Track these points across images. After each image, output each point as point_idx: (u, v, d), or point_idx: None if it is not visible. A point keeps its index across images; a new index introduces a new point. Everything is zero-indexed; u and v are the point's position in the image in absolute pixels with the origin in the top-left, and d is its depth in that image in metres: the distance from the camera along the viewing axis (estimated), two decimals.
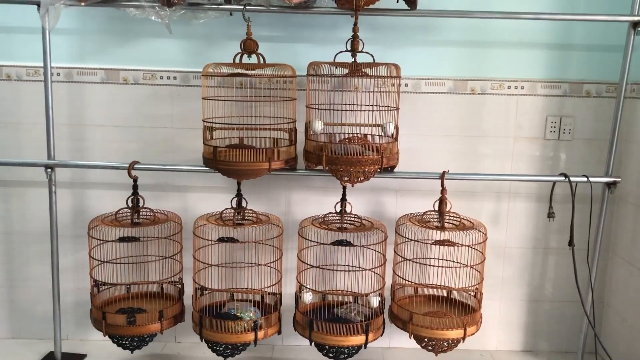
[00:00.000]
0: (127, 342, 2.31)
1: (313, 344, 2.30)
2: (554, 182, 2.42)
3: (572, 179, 2.35)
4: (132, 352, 2.36)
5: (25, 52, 2.49)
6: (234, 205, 2.38)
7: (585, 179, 2.35)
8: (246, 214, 2.39)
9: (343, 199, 2.39)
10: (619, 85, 2.34)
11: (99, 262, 2.33)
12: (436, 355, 2.32)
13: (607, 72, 2.52)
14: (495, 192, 2.63)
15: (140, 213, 2.34)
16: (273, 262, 2.36)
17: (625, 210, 2.56)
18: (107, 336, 2.30)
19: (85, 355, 2.60)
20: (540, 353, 2.76)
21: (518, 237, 2.68)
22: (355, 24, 2.23)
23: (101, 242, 2.30)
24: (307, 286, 2.37)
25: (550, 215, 2.43)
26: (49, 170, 2.37)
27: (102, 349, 2.62)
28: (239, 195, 2.38)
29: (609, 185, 2.39)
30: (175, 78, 2.52)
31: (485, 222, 2.52)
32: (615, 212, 2.63)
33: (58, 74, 2.51)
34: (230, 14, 2.34)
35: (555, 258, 2.69)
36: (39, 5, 2.21)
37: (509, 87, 2.54)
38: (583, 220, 2.48)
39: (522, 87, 2.54)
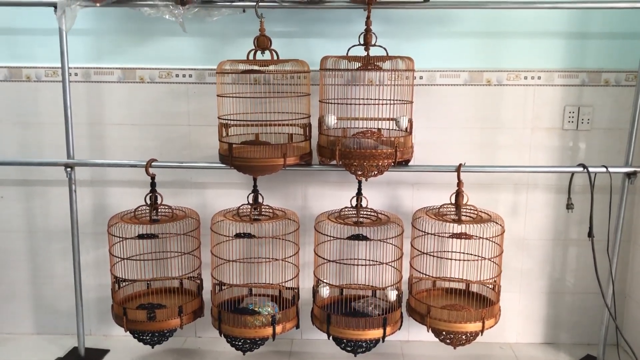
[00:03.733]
0: (147, 338, 2.35)
1: (331, 338, 2.31)
2: (573, 173, 2.39)
3: (590, 169, 2.32)
4: (152, 347, 2.39)
5: (44, 53, 2.53)
6: (251, 201, 2.40)
7: (604, 169, 2.31)
8: (263, 210, 2.41)
9: (359, 194, 2.39)
10: (639, 73, 2.29)
11: (119, 259, 2.37)
12: (454, 348, 2.32)
13: (626, 60, 2.48)
14: (513, 184, 2.61)
15: (159, 210, 2.37)
16: (290, 257, 2.37)
17: None
18: (128, 332, 2.34)
19: (108, 351, 2.65)
20: (561, 345, 2.73)
21: (537, 228, 2.65)
22: (368, 17, 2.22)
23: (121, 239, 2.34)
24: (325, 280, 2.38)
25: (569, 206, 2.40)
26: (69, 169, 2.41)
27: (124, 344, 2.67)
28: (255, 191, 2.40)
29: (629, 175, 2.35)
30: (190, 76, 2.54)
31: (504, 214, 2.50)
32: (637, 202, 2.59)
33: (76, 74, 2.55)
34: (243, 11, 2.35)
35: (576, 249, 2.66)
36: (55, 7, 2.25)
37: (525, 78, 2.51)
38: (603, 211, 2.45)
39: (539, 77, 2.51)
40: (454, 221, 2.28)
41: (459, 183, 2.29)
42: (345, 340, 2.29)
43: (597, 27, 2.47)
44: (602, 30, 2.47)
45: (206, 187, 2.64)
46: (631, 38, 2.46)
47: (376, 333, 2.26)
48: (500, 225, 2.28)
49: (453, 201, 2.31)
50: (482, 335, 2.28)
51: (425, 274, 2.37)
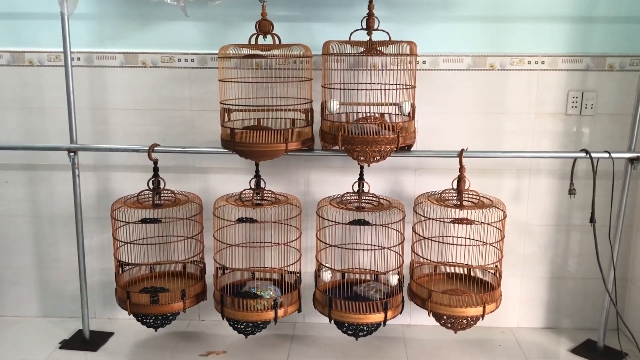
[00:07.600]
0: (151, 321, 2.37)
1: (333, 321, 2.32)
2: (575, 159, 2.39)
3: (593, 155, 2.31)
4: (156, 330, 2.42)
5: (47, 37, 2.52)
6: (253, 186, 2.40)
7: (606, 154, 2.31)
8: (265, 195, 2.42)
9: (360, 179, 2.39)
10: None
11: (123, 243, 2.39)
12: (455, 332, 2.33)
13: (632, 45, 2.46)
14: (516, 170, 2.61)
15: (162, 195, 2.38)
16: (292, 241, 2.38)
17: None
18: (131, 315, 2.37)
19: (112, 333, 2.68)
20: (562, 330, 2.75)
21: (540, 214, 2.65)
22: (371, 1, 2.21)
23: (124, 223, 2.36)
24: (327, 265, 2.40)
25: (571, 191, 2.40)
26: (72, 154, 2.42)
27: (128, 327, 2.69)
28: (257, 176, 2.40)
29: (632, 160, 2.34)
30: (192, 60, 2.54)
31: (507, 200, 2.50)
32: None
33: (78, 59, 2.54)
34: None
35: (578, 235, 2.66)
36: None
37: (529, 62, 2.49)
38: (606, 197, 2.44)
39: (543, 62, 2.49)
40: (455, 206, 2.28)
41: (461, 168, 2.29)
42: (346, 324, 2.31)
43: (602, 11, 2.45)
44: (607, 15, 2.45)
45: (208, 172, 2.64)
46: (637, 22, 2.44)
47: (377, 317, 2.27)
48: (502, 210, 2.28)
49: (455, 186, 2.31)
50: (482, 319, 2.29)
51: (427, 259, 2.38)
